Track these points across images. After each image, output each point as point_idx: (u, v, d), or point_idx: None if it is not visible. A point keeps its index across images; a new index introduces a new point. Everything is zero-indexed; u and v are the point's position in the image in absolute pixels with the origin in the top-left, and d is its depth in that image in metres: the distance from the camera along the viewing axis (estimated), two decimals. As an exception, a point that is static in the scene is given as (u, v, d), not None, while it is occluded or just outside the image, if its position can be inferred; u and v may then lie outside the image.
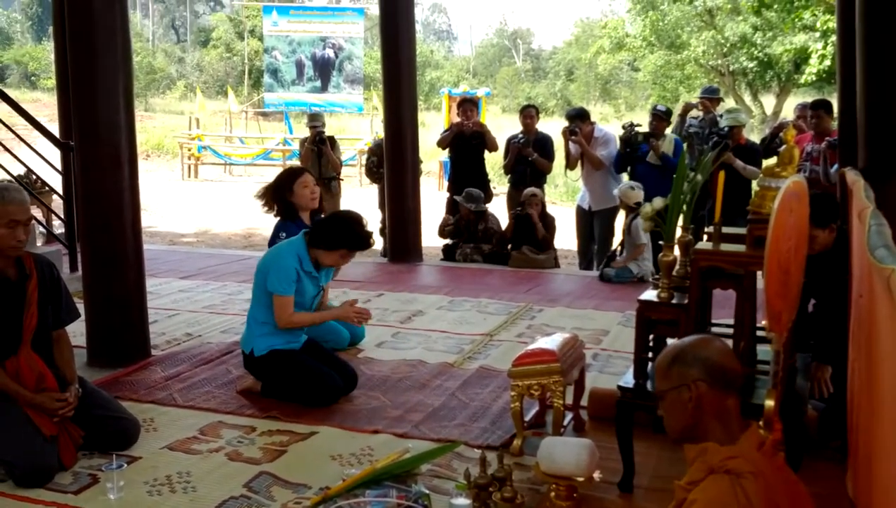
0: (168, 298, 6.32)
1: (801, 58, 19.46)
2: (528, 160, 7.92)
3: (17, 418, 3.12)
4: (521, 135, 8.08)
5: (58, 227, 7.89)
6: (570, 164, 8.09)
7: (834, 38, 10.59)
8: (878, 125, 3.60)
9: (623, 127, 7.74)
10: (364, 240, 4.10)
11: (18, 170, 7.53)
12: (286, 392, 4.03)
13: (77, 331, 3.83)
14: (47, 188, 7.74)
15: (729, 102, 26.70)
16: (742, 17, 24.58)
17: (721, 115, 7.73)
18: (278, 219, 5.05)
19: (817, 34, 16.74)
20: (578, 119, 7.85)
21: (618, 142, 7.76)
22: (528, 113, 8.19)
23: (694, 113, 7.97)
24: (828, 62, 14.88)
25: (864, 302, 2.43)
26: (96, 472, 3.19)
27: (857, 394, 2.82)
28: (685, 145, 7.52)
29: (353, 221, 4.11)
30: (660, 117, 7.55)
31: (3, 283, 3.16)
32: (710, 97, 7.99)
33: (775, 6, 20.70)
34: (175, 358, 4.74)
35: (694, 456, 2.04)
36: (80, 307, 3.75)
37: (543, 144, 8.06)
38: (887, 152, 3.52)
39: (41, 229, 7.62)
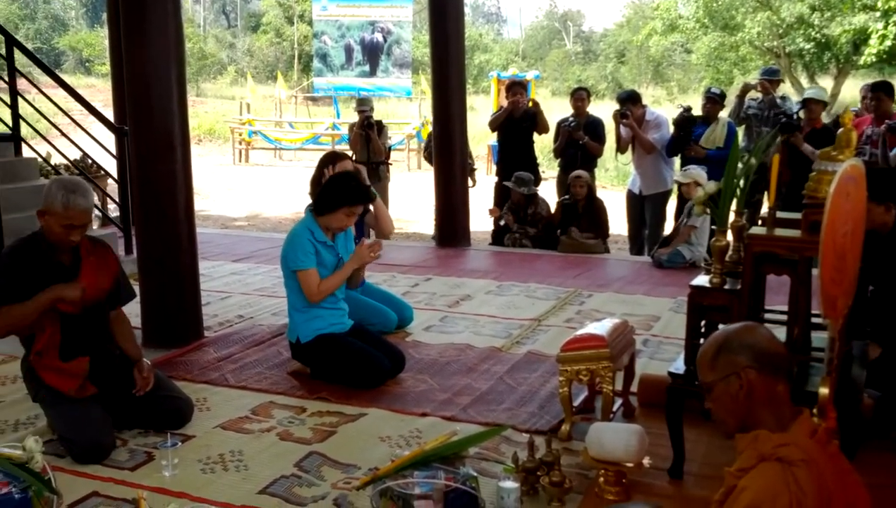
0: (220, 281, 6.43)
1: (861, 38, 18.93)
2: (580, 144, 7.85)
3: (74, 401, 3.23)
4: (571, 119, 8.01)
5: (113, 211, 8.05)
6: (620, 148, 8.01)
7: None
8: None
9: (679, 109, 7.62)
10: (360, 193, 4.17)
11: (75, 154, 7.71)
12: (335, 374, 4.07)
13: (132, 313, 3.90)
14: (103, 172, 7.90)
15: (785, 86, 26.17)
16: (799, -4, 23.98)
17: (782, 97, 7.54)
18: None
19: (878, 13, 16.25)
20: (630, 102, 7.75)
21: (671, 125, 7.65)
22: (580, 96, 8.11)
23: (753, 94, 7.75)
24: (889, 42, 14.45)
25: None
26: (152, 450, 3.26)
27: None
28: (743, 127, 7.36)
29: (344, 178, 4.20)
30: (713, 100, 7.41)
31: (57, 268, 3.24)
32: (771, 78, 7.74)
33: (834, -15, 20.17)
34: (227, 339, 4.82)
35: (746, 444, 2.01)
36: (136, 289, 3.83)
37: (594, 128, 7.98)
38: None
39: (97, 213, 7.79)
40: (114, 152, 7.10)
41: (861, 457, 2.83)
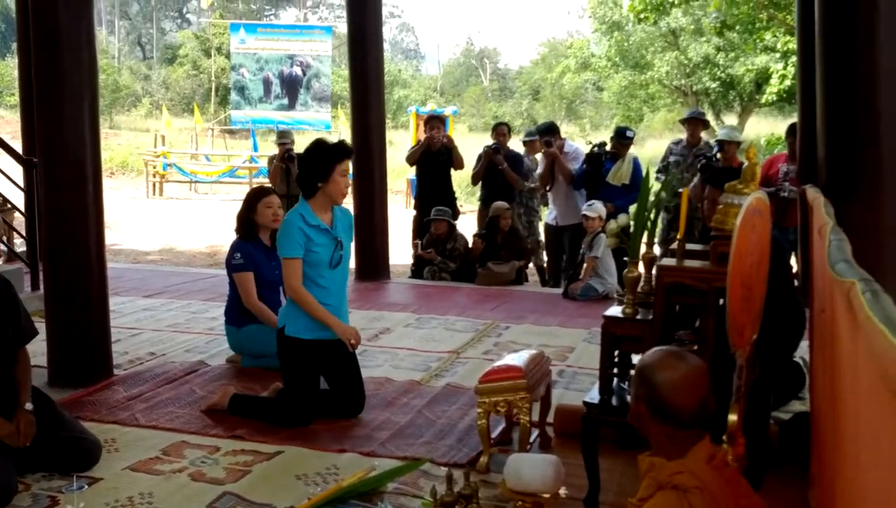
0: (131, 317, 6.24)
1: (763, 78, 19.83)
2: (499, 170, 7.91)
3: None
4: (494, 143, 8.10)
5: (19, 245, 7.76)
6: (542, 184, 8.11)
7: (794, 58, 10.79)
8: (838, 144, 3.66)
9: (591, 145, 7.82)
10: (342, 146, 4.03)
11: (-21, 187, 7.42)
12: (289, 382, 4.02)
13: (38, 351, 3.77)
14: (9, 205, 7.62)
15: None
16: (705, 38, 25.04)
17: (706, 142, 7.78)
18: (237, 237, 5.02)
19: (778, 55, 17.08)
20: (549, 133, 7.91)
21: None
22: (500, 130, 8.24)
23: (676, 138, 7.98)
24: (788, 82, 15.19)
25: (827, 317, 2.46)
26: (56, 494, 3.13)
27: (820, 408, 2.86)
28: (663, 177, 7.50)
29: (316, 143, 4.04)
30: (623, 141, 7.63)
31: None
32: (699, 118, 7.90)
33: (737, 27, 21.08)
34: (138, 377, 4.67)
35: (645, 470, 2.06)
36: (41, 326, 3.69)
37: (515, 161, 8.10)
38: (847, 170, 3.57)
39: (2, 247, 7.50)
40: (21, 185, 6.87)
41: (769, 482, 2.90)
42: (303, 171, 4.02)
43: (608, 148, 7.66)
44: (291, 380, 4.02)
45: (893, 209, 3.48)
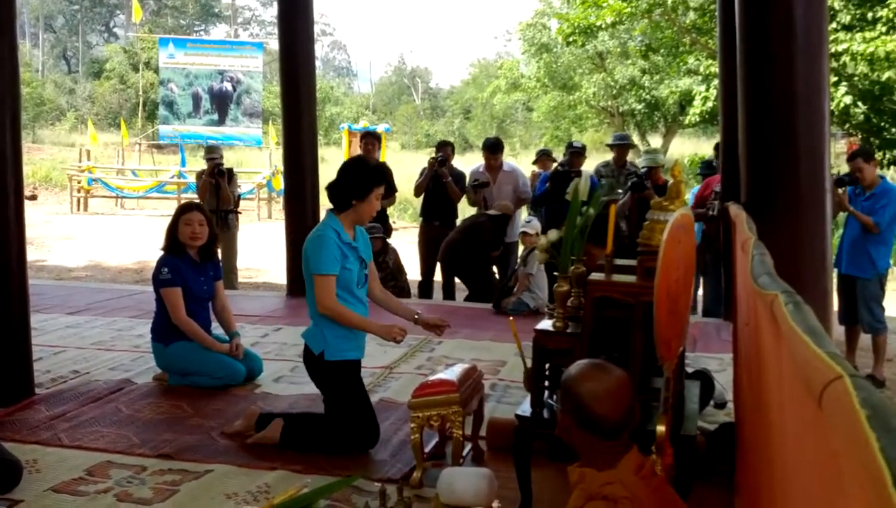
0: (54, 334, 6.06)
1: (686, 100, 20.39)
2: (442, 183, 7.93)
3: None
4: (440, 154, 8.12)
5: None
6: (473, 202, 8.17)
7: (716, 81, 11.14)
8: (758, 162, 3.80)
9: (556, 165, 7.98)
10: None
11: None
12: (341, 408, 3.80)
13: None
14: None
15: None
16: (631, 60, 25.70)
17: (632, 162, 7.99)
18: (164, 252, 4.92)
19: (700, 78, 17.60)
20: (497, 149, 8.03)
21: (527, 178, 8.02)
22: (444, 150, 8.26)
23: (603, 161, 8.21)
24: (710, 104, 15.65)
25: (750, 330, 2.54)
26: (-27, 518, 3.02)
27: (745, 418, 2.94)
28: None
29: (359, 160, 3.94)
30: (577, 153, 7.79)
31: None
32: (622, 143, 8.10)
33: (662, 51, 21.68)
34: (61, 396, 4.54)
35: (575, 481, 2.10)
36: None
37: (458, 179, 8.13)
38: (767, 187, 3.71)
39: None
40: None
41: (696, 492, 2.97)
42: (340, 185, 3.82)
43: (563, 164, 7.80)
44: (341, 404, 3.80)
45: (811, 224, 3.63)
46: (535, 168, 8.71)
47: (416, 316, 3.94)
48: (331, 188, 3.84)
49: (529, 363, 3.27)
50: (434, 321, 3.95)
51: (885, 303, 6.36)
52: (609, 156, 8.24)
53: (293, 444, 3.76)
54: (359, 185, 3.77)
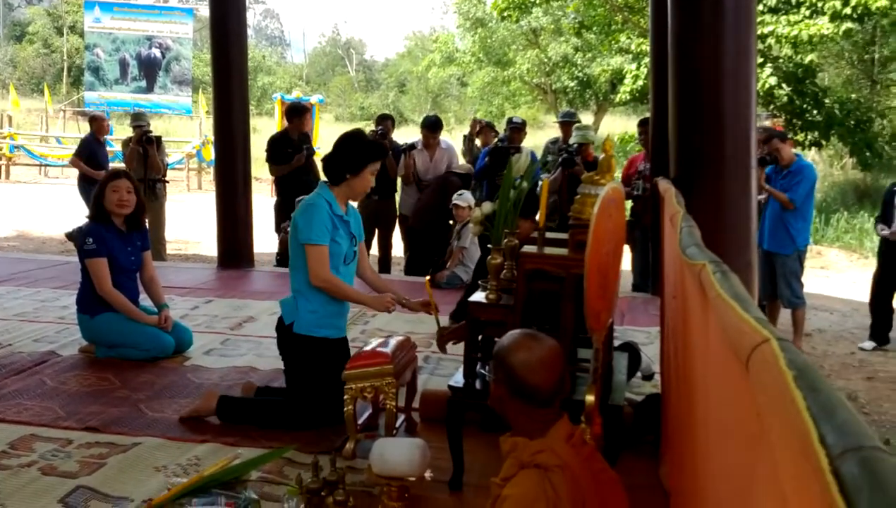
0: (-27, 306, 5.87)
1: (617, 78, 20.64)
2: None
3: None
4: (380, 128, 8.02)
5: None
6: (405, 180, 8.14)
7: (647, 60, 11.29)
8: (686, 139, 3.88)
9: (497, 140, 7.97)
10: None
11: None
12: (299, 383, 3.71)
13: None
14: None
15: (549, 118, 28.00)
16: (564, 37, 25.85)
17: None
18: (88, 220, 4.79)
19: (631, 56, 17.82)
20: (437, 128, 7.99)
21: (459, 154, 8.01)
22: (385, 124, 8.18)
23: (553, 137, 8.29)
24: (641, 82, 15.89)
25: (678, 302, 2.60)
26: None
27: (671, 388, 3.02)
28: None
29: (356, 134, 3.89)
30: (517, 128, 7.82)
31: None
32: (570, 120, 8.20)
33: (594, 28, 21.85)
34: (-19, 369, 4.41)
35: (507, 451, 2.13)
36: None
37: (395, 153, 8.08)
38: (694, 163, 3.80)
39: None
40: None
41: (623, 461, 3.05)
42: (335, 158, 3.75)
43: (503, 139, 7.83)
44: (300, 380, 3.74)
45: (736, 197, 3.74)
46: (478, 142, 8.69)
47: (403, 300, 3.92)
48: (326, 160, 3.80)
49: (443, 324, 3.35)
50: (418, 306, 3.91)
51: (803, 279, 6.60)
52: (559, 134, 8.33)
53: (232, 416, 3.71)
54: (354, 160, 3.72)
